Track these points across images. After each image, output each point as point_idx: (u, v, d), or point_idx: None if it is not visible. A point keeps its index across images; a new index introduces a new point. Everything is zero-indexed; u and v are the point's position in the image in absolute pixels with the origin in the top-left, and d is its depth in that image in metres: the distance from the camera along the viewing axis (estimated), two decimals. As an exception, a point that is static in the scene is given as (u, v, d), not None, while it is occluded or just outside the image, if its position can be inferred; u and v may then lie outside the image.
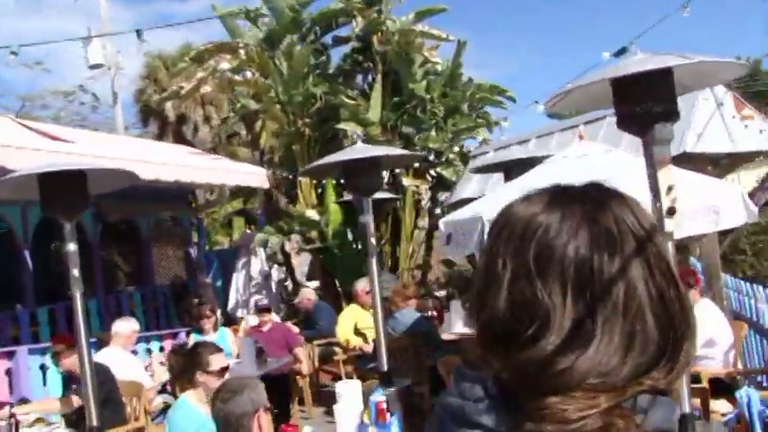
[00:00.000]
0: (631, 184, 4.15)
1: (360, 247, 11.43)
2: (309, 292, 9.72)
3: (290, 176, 11.28)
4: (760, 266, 12.56)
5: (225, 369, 4.07)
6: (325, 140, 11.37)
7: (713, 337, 4.69)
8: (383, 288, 9.38)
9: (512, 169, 6.75)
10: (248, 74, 10.49)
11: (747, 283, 6.09)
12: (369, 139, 10.97)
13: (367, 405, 3.80)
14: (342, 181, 11.46)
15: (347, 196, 11.39)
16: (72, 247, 4.52)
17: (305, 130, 10.82)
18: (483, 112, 12.35)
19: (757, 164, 6.78)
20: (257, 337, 7.36)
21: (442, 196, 11.74)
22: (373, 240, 5.74)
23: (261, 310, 7.89)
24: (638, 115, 3.47)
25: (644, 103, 3.45)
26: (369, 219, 5.68)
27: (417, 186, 10.69)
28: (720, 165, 6.72)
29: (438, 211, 12.09)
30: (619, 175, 4.27)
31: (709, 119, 5.95)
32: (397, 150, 6.23)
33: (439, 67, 10.81)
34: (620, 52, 5.92)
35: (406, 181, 10.52)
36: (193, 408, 3.83)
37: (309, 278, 14.50)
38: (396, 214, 11.50)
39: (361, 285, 8.61)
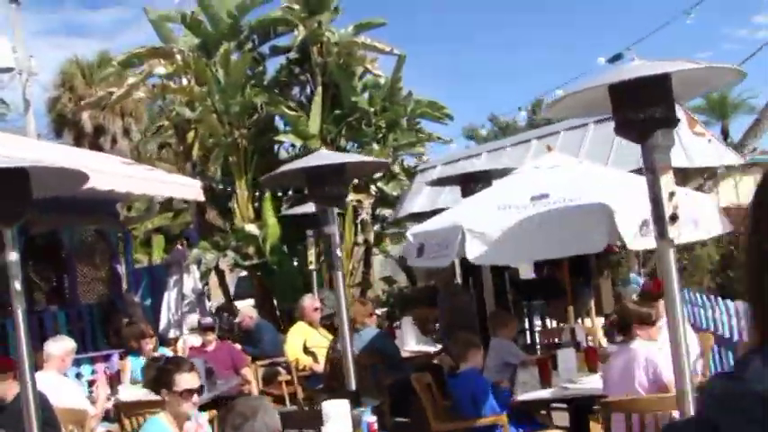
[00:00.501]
0: (610, 192, 4.05)
1: (298, 264, 11.09)
2: (251, 310, 9.34)
3: (227, 189, 10.86)
4: (684, 281, 13.13)
5: (192, 391, 3.72)
6: (262, 152, 11.03)
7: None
8: (325, 306, 9.19)
9: (469, 182, 6.69)
10: (183, 81, 10.03)
11: (703, 296, 6.22)
12: (308, 153, 10.70)
13: (358, 426, 3.56)
14: (289, 192, 11.16)
15: (286, 210, 11.09)
16: (13, 256, 4.12)
17: (241, 141, 10.44)
18: (419, 128, 12.30)
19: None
20: (203, 357, 6.94)
21: (382, 212, 11.59)
22: (339, 252, 5.51)
23: (205, 329, 7.46)
24: (638, 122, 3.43)
25: (644, 110, 3.41)
26: (334, 229, 5.46)
27: (360, 201, 10.48)
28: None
29: (377, 227, 11.93)
30: (598, 185, 4.19)
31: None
32: (363, 157, 6.02)
33: (382, 80, 10.69)
34: (616, 58, 5.94)
35: (348, 195, 10.29)
36: (164, 428, 3.52)
37: (237, 297, 14.01)
38: (335, 230, 11.24)
39: (308, 302, 8.31)
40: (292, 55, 11.28)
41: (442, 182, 7.01)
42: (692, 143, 6.19)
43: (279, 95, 10.89)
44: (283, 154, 11.87)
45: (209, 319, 7.80)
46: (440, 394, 5.42)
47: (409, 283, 12.33)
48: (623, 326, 4.21)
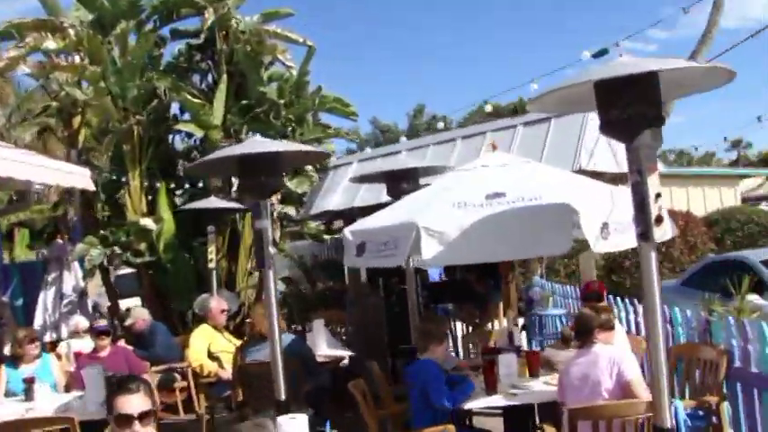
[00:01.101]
0: (570, 193, 3.90)
1: (193, 262, 10.37)
2: (143, 312, 8.55)
3: (119, 180, 9.98)
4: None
5: (129, 418, 2.91)
6: (158, 142, 10.24)
7: (629, 350, 4.71)
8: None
9: (395, 180, 6.47)
10: (76, 59, 9.05)
11: (625, 300, 6.30)
12: (208, 144, 10.05)
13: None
14: (186, 186, 10.42)
15: (181, 205, 10.35)
16: None
17: (137, 128, 9.62)
18: (324, 124, 11.92)
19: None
20: (97, 364, 6.22)
21: (284, 209, 11.11)
22: (271, 249, 5.09)
23: (99, 333, 6.71)
24: (625, 120, 3.31)
25: (631, 108, 3.29)
26: (266, 224, 5.03)
27: (266, 197, 9.93)
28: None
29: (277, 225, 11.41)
30: (554, 185, 4.04)
31: (596, 139, 6.13)
32: (302, 146, 5.61)
33: (294, 72, 10.21)
34: (601, 53, 5.86)
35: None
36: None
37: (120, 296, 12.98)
38: (233, 227, 10.65)
39: (215, 303, 7.77)
40: (193, 40, 10.56)
41: (366, 179, 6.71)
42: (622, 148, 6.28)
43: (179, 82, 10.15)
44: (179, 144, 11.13)
45: (103, 322, 7.04)
46: (373, 401, 5.14)
47: (308, 284, 11.92)
48: (584, 332, 4.11)
